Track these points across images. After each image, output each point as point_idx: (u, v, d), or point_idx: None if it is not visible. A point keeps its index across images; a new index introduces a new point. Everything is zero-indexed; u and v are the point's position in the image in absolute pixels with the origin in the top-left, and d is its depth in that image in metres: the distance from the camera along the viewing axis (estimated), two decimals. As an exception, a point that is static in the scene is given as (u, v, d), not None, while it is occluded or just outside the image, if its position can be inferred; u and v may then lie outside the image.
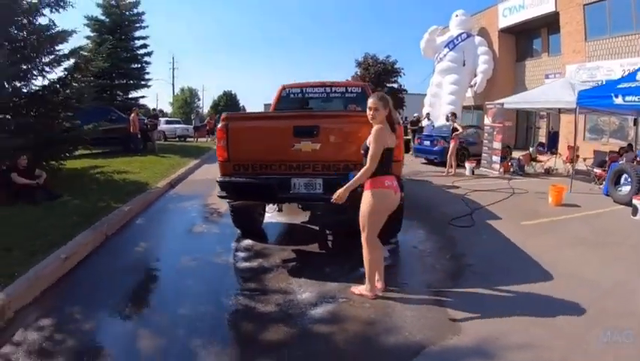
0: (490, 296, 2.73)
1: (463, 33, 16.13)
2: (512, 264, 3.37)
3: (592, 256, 3.57)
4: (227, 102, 44.06)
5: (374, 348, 2.11)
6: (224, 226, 4.45)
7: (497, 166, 8.97)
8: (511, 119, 14.43)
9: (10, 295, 2.59)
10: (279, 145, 3.09)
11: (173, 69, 38.05)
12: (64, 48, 6.81)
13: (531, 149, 9.21)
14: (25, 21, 5.72)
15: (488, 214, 5.10)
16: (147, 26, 17.63)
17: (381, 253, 2.72)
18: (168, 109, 42.64)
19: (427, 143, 10.88)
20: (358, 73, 21.66)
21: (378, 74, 20.98)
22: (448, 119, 10.74)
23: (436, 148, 10.46)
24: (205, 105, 49.22)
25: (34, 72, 6.08)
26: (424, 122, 15.06)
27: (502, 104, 8.85)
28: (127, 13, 16.04)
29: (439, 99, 16.43)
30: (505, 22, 15.52)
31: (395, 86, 21.97)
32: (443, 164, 9.99)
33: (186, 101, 47.36)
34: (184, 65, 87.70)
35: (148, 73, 19.74)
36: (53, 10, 5.94)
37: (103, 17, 15.38)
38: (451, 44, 16.11)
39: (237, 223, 4.17)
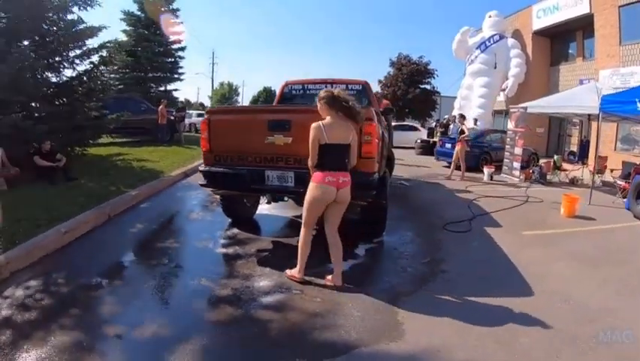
0: (453, 305, 2.65)
1: (495, 35, 15.69)
2: (493, 274, 3.27)
3: (587, 275, 3.35)
4: (267, 98, 45.36)
5: (304, 341, 2.20)
6: (220, 215, 4.73)
7: (518, 173, 8.67)
8: (543, 126, 13.79)
9: (9, 258, 3.04)
10: (255, 138, 3.31)
11: (213, 64, 39.97)
12: (93, 43, 7.52)
13: (555, 157, 8.77)
14: (54, 17, 6.39)
15: (490, 221, 5.00)
16: (182, 22, 18.73)
17: (308, 240, 2.87)
18: (208, 102, 44.62)
19: (448, 146, 10.68)
20: (391, 73, 21.60)
21: (411, 75, 20.77)
22: (454, 121, 10.51)
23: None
24: (245, 100, 51.07)
25: (65, 64, 6.77)
26: (450, 126, 14.78)
27: (526, 108, 8.53)
28: (162, 9, 17.07)
29: (469, 102, 16.09)
30: (539, 23, 14.85)
31: (428, 87, 21.63)
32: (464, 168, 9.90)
33: (225, 96, 49.33)
34: (228, 60, 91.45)
35: (181, 67, 20.91)
36: (81, 7, 6.58)
37: (139, 12, 16.42)
38: (483, 46, 15.73)
39: (227, 212, 4.47)
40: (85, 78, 7.20)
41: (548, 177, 8.54)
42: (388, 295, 2.75)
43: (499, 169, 9.14)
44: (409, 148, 14.43)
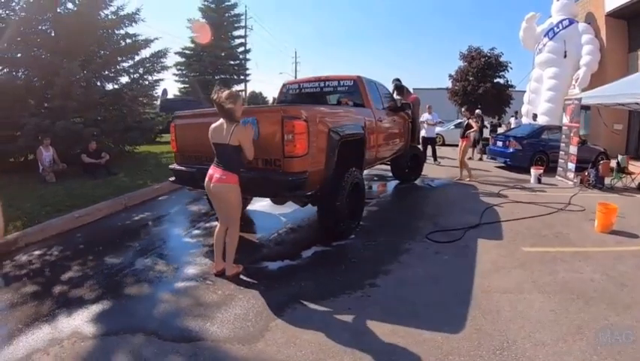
0: (345, 325, 2.53)
1: (564, 19, 13.77)
2: (431, 299, 2.89)
3: (562, 318, 2.64)
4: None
5: (170, 322, 2.60)
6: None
7: (572, 175, 7.69)
8: (621, 121, 11.73)
9: (26, 233, 4.14)
10: (205, 140, 3.82)
11: (296, 63, 42.76)
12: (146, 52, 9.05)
13: (620, 157, 7.46)
14: (105, 34, 7.89)
15: (493, 231, 4.62)
16: (245, 26, 20.56)
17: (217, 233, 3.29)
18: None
19: (500, 144, 9.94)
20: (461, 66, 20.73)
21: (482, 68, 19.59)
22: (462, 116, 9.74)
23: (507, 150, 9.54)
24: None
25: (113, 75, 8.30)
26: (512, 121, 13.66)
27: (580, 99, 7.49)
28: (225, 14, 18.99)
29: (538, 96, 14.47)
30: (612, 3, 12.51)
31: (501, 81, 20.15)
32: (516, 168, 9.24)
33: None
34: (311, 59, 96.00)
35: (247, 69, 22.87)
36: (127, 24, 8.01)
37: (203, 20, 18.53)
38: (551, 33, 13.95)
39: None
40: (134, 86, 8.66)
41: (610, 181, 7.39)
42: (286, 300, 2.86)
43: (549, 171, 8.26)
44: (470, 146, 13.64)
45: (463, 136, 8.11)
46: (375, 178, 8.48)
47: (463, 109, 8.36)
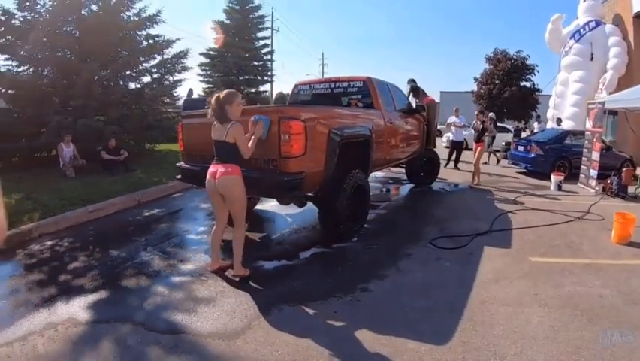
0: (326, 328, 2.53)
1: (591, 21, 13.29)
2: (424, 307, 2.81)
3: (564, 333, 2.51)
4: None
5: (158, 313, 2.72)
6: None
7: (594, 183, 7.31)
8: None
9: (40, 224, 4.41)
10: (209, 139, 3.94)
11: (323, 65, 43.26)
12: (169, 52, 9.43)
13: None
14: (126, 35, 8.27)
15: (502, 239, 4.46)
16: (268, 28, 20.93)
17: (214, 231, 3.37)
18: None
19: (521, 148, 9.62)
20: (487, 69, 20.45)
21: (508, 71, 19.20)
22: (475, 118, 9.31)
23: (528, 155, 9.22)
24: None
25: (135, 75, 8.67)
26: (535, 126, 13.26)
27: (604, 103, 7.11)
28: (250, 16, 19.38)
29: (563, 100, 13.99)
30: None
31: (527, 85, 19.64)
32: (538, 174, 8.95)
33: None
34: (337, 61, 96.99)
35: (271, 70, 23.22)
36: (148, 26, 8.36)
37: (227, 21, 18.98)
38: (577, 35, 13.50)
39: None
40: (155, 85, 9.01)
41: (634, 190, 6.96)
42: (274, 300, 2.89)
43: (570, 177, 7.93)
44: (497, 151, 13.29)
45: (479, 140, 7.86)
46: (391, 181, 8.41)
47: (476, 112, 8.09)
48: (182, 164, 4.44)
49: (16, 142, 7.20)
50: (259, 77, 22.53)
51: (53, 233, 4.43)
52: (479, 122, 7.93)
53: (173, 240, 4.39)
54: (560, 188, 7.47)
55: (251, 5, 19.38)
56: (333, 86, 5.75)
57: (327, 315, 2.72)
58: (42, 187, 5.94)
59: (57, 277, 3.35)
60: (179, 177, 4.49)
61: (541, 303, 2.93)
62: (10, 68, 7.70)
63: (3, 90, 7.43)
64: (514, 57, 19.97)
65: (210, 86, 21.05)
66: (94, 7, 8.08)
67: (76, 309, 2.79)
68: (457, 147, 10.08)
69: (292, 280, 3.30)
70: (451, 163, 10.09)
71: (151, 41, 8.80)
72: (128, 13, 8.58)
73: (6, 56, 7.51)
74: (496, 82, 19.83)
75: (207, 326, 2.57)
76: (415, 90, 7.38)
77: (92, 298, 2.97)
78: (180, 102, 12.97)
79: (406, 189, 7.60)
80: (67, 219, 4.74)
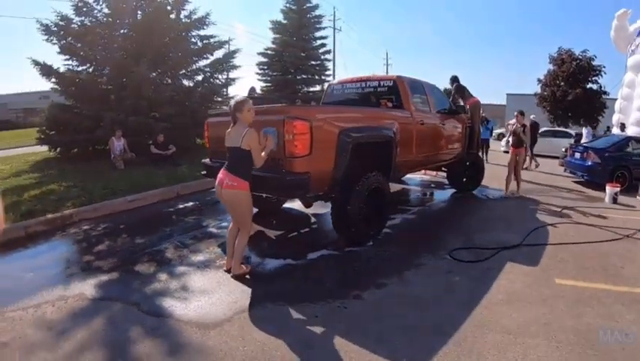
0: (296, 331, 2.54)
1: None
2: (413, 322, 2.65)
3: None
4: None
5: (150, 296, 3.00)
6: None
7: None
8: None
9: (81, 210, 5.03)
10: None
11: (387, 65, 43.04)
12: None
13: None
14: (177, 37, 9.03)
15: (530, 256, 4.02)
16: (326, 27, 21.22)
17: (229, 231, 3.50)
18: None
19: (578, 156, 8.83)
20: (550, 70, 19.04)
21: (573, 73, 17.56)
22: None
23: (584, 163, 8.40)
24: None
25: (198, 73, 9.43)
26: (584, 132, 11.94)
27: None
28: (307, 16, 19.80)
29: (630, 103, 12.31)
30: None
31: (594, 87, 17.73)
32: (594, 184, 8.13)
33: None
34: (406, 63, 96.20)
35: (328, 69, 23.54)
36: (199, 27, 9.04)
37: (284, 21, 19.61)
38: None
39: None
40: (205, 84, 9.71)
41: None
42: (263, 297, 2.98)
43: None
44: (556, 158, 12.08)
45: (519, 145, 7.06)
46: (433, 185, 8.08)
47: (515, 113, 7.34)
48: (207, 161, 4.74)
49: (76, 135, 8.30)
50: (317, 77, 22.88)
51: (92, 219, 5.02)
52: (519, 125, 7.03)
53: (195, 232, 4.70)
54: (615, 201, 6.68)
55: (308, 5, 19.78)
56: (364, 85, 5.69)
57: (307, 319, 2.72)
58: (92, 177, 6.77)
59: (81, 257, 3.83)
60: (204, 172, 4.80)
61: (549, 335, 2.58)
62: (70, 67, 8.92)
63: (62, 88, 8.62)
64: (580, 57, 18.50)
65: (268, 84, 21.93)
66: (146, 11, 8.96)
67: (88, 287, 3.16)
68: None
69: (289, 280, 3.36)
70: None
71: (204, 42, 9.51)
72: (179, 16, 9.41)
73: (67, 57, 8.71)
74: (561, 84, 18.36)
75: (191, 314, 2.75)
76: (461, 90, 6.99)
77: (103, 278, 3.34)
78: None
79: (446, 194, 7.24)
80: (106, 207, 5.33)
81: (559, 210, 6.04)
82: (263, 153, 3.28)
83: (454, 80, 7.08)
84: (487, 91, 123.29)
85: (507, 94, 38.09)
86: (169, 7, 9.28)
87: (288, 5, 19.71)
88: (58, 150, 8.92)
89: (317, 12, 20.39)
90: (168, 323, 2.63)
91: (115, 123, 7.89)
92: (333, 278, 3.43)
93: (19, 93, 25.60)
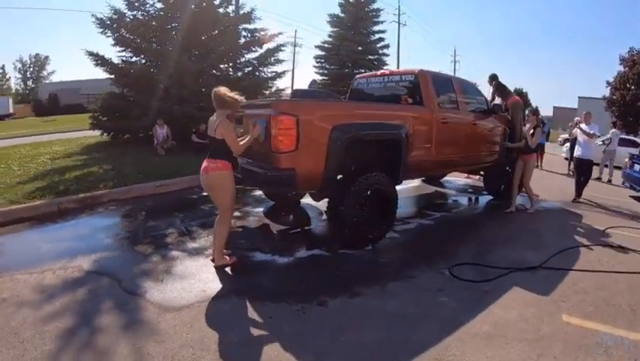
0: (246, 329, 2.61)
1: None
2: (367, 340, 2.53)
3: None
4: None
5: (137, 279, 3.22)
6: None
7: None
8: None
9: (112, 192, 5.64)
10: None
11: (455, 61, 42.04)
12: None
13: None
14: (223, 30, 9.56)
15: (545, 281, 3.56)
16: (384, 21, 20.82)
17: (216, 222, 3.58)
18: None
19: (637, 168, 7.81)
20: (621, 72, 17.17)
21: None
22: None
23: None
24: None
25: (248, 65, 9.99)
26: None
27: None
28: (365, 9, 19.59)
29: None
30: None
31: None
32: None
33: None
34: (476, 60, 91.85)
35: (386, 64, 23.14)
36: (246, 21, 9.51)
37: (342, 15, 19.59)
38: None
39: (267, 196, 5.65)
40: (250, 77, 10.18)
41: None
42: (236, 290, 3.12)
43: None
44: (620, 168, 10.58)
45: (526, 151, 5.84)
46: (470, 190, 7.59)
47: (527, 111, 6.13)
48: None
49: (125, 122, 9.25)
50: (373, 71, 22.66)
51: (120, 200, 5.59)
52: (531, 127, 5.84)
53: (204, 220, 4.97)
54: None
55: (365, -3, 19.62)
56: (386, 80, 5.53)
57: (261, 318, 2.76)
58: (132, 161, 7.51)
59: (95, 233, 4.30)
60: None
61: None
62: (124, 58, 9.96)
63: (116, 78, 9.62)
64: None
65: (326, 78, 22.18)
66: (197, 6, 9.61)
67: (88, 260, 3.57)
68: (582, 166, 7.03)
69: (265, 277, 3.44)
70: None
71: (254, 35, 10.03)
72: (227, 10, 9.99)
73: (121, 49, 9.74)
74: (631, 87, 16.22)
75: (159, 296, 2.98)
76: (501, 88, 6.44)
77: (105, 254, 3.74)
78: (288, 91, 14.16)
79: (480, 201, 6.78)
80: (135, 190, 5.90)
81: (603, 229, 5.31)
82: (243, 142, 3.41)
83: (493, 78, 6.54)
84: (558, 93, 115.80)
85: (579, 97, 38.12)
86: (217, 2, 9.88)
87: (345, -1, 19.74)
88: (111, 134, 10.01)
89: (375, 5, 20.09)
90: (137, 301, 2.89)
91: (161, 112, 8.64)
92: (310, 280, 3.42)
93: (89, 80, 28.82)
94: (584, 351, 2.53)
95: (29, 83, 54.71)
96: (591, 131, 6.90)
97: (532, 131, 5.77)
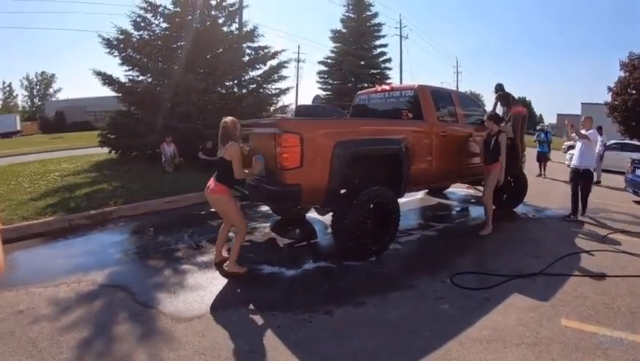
0: (251, 337, 2.76)
1: None
2: (366, 348, 2.63)
3: None
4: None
5: (150, 291, 3.39)
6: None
7: None
8: None
9: (121, 208, 5.85)
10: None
11: (457, 73, 42.95)
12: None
13: None
14: (226, 48, 9.93)
15: (545, 287, 3.67)
16: (385, 35, 21.30)
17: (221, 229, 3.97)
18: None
19: (639, 172, 7.89)
20: (621, 77, 17.37)
21: None
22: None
23: None
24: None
25: (252, 82, 10.33)
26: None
27: None
28: (366, 24, 20.08)
29: None
30: None
31: None
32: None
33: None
34: (477, 71, 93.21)
35: (389, 78, 23.53)
36: (249, 39, 9.87)
37: (344, 30, 20.08)
38: None
39: (273, 211, 5.83)
40: (254, 93, 10.47)
41: None
42: (241, 300, 3.31)
43: None
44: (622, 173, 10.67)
45: (492, 160, 5.27)
46: (473, 200, 7.72)
47: (485, 117, 5.55)
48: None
49: (132, 139, 9.54)
50: (376, 85, 23.03)
51: (129, 217, 5.79)
52: (493, 132, 5.28)
53: (212, 235, 5.12)
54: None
55: (367, 13, 20.09)
56: (387, 96, 5.76)
57: (270, 327, 2.88)
58: (140, 178, 7.74)
59: (107, 249, 4.49)
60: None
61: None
62: (131, 77, 10.35)
63: (122, 96, 9.98)
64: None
65: (329, 93, 22.57)
66: (201, 25, 9.99)
67: (101, 274, 3.76)
68: (579, 177, 6.28)
69: (273, 288, 3.59)
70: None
71: (257, 53, 10.39)
72: (230, 28, 10.43)
73: (128, 68, 10.11)
74: (632, 92, 16.36)
75: (172, 307, 3.14)
76: (504, 98, 6.62)
77: (117, 268, 3.93)
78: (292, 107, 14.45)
79: (482, 211, 6.91)
80: (145, 206, 6.10)
81: (604, 234, 5.41)
82: (245, 171, 3.74)
83: (498, 88, 6.70)
84: (561, 100, 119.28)
85: (581, 103, 38.44)
86: (221, 21, 10.29)
87: (347, 14, 20.21)
88: (119, 152, 10.29)
89: (376, 20, 20.59)
90: (151, 312, 3.05)
91: (167, 129, 8.93)
92: (316, 291, 3.55)
93: (96, 97, 29.50)
94: (581, 353, 2.63)
95: (36, 100, 56.00)
96: (595, 138, 6.54)
97: (494, 138, 5.18)
